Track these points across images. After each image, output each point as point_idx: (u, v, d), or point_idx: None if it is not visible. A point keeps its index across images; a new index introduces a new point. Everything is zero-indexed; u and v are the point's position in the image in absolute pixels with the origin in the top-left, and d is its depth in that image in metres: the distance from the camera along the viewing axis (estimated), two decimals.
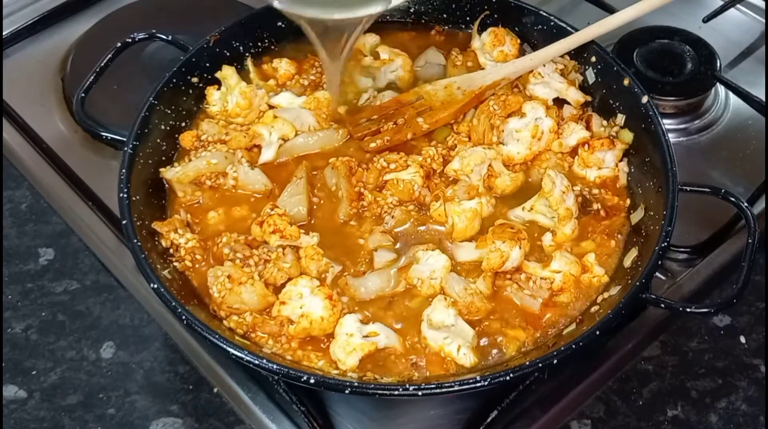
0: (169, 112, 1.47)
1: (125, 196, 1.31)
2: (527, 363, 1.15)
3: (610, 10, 1.80)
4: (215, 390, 1.38)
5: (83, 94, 1.44)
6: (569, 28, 1.55)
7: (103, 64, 1.48)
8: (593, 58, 1.53)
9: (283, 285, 1.31)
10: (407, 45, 1.64)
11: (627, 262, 1.33)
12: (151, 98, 1.43)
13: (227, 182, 1.43)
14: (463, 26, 1.66)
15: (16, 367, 1.41)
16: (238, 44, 1.57)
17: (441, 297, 1.28)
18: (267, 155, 1.45)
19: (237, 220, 1.39)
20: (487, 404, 1.30)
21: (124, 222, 1.29)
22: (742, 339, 1.43)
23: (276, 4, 1.31)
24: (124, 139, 1.38)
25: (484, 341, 1.27)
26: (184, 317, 1.18)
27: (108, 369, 1.41)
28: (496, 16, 1.62)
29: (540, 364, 1.14)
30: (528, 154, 1.47)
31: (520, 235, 1.33)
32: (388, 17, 1.67)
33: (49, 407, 1.37)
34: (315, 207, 1.41)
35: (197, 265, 1.33)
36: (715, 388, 1.36)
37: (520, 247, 1.32)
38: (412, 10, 1.67)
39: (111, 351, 1.43)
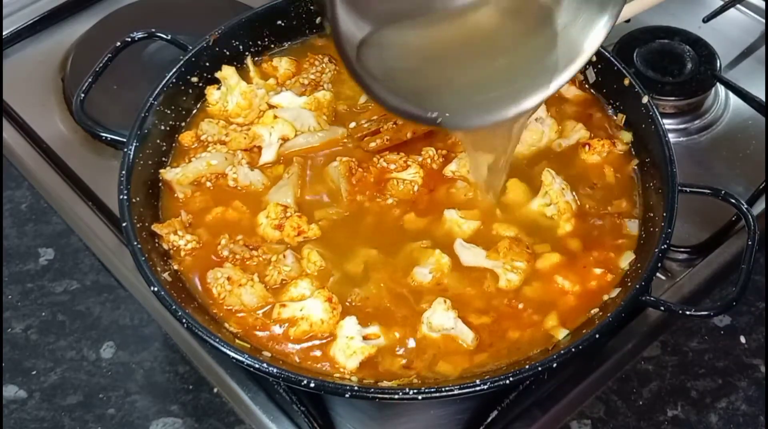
0: (168, 112, 1.47)
1: (125, 197, 1.31)
2: (527, 366, 1.15)
3: None
4: (215, 390, 1.38)
5: (83, 95, 1.44)
6: None
7: (102, 64, 1.47)
8: (594, 58, 1.53)
9: (283, 286, 1.31)
10: None
11: (624, 264, 1.33)
12: (151, 98, 1.43)
13: (227, 183, 1.42)
14: None
15: (16, 367, 1.41)
16: (237, 43, 1.57)
17: (441, 300, 1.28)
18: (267, 156, 1.45)
19: (236, 220, 1.39)
20: (487, 404, 1.30)
21: (124, 224, 1.28)
22: (742, 339, 1.43)
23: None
24: (124, 140, 1.38)
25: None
26: (184, 321, 1.19)
27: (108, 369, 1.41)
28: None
29: (540, 368, 1.15)
30: (528, 153, 1.47)
31: (529, 253, 1.33)
32: None
33: (49, 407, 1.37)
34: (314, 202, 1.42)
35: (197, 267, 1.33)
36: (715, 388, 1.36)
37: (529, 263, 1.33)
38: None
39: (111, 351, 1.43)
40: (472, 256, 1.34)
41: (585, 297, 1.31)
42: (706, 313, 1.12)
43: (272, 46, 1.62)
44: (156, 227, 1.34)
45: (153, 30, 1.52)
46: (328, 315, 1.26)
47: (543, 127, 1.47)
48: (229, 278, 1.29)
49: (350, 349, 1.23)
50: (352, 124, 1.50)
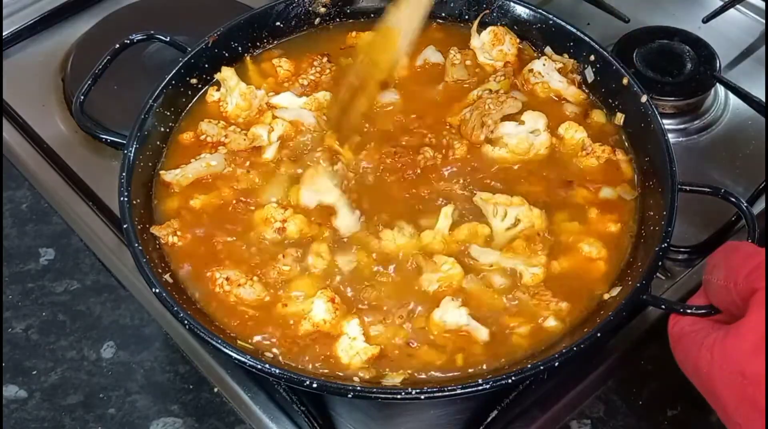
0: (168, 113, 1.47)
1: (126, 199, 1.31)
2: (529, 366, 1.16)
3: (610, 11, 1.80)
4: (215, 390, 1.38)
5: (82, 97, 1.43)
6: (569, 27, 1.55)
7: (101, 66, 1.47)
8: (592, 57, 1.53)
9: (284, 286, 1.31)
10: None
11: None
12: (150, 100, 1.43)
13: (227, 184, 1.42)
14: (462, 24, 1.66)
15: (16, 367, 1.41)
16: (236, 45, 1.57)
17: (449, 298, 1.28)
18: (268, 156, 1.45)
19: (236, 221, 1.39)
20: (488, 404, 1.30)
21: (125, 226, 1.29)
22: None
23: None
24: (124, 141, 1.38)
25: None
26: (186, 322, 1.19)
27: (108, 369, 1.41)
28: (495, 14, 1.62)
29: (542, 367, 1.15)
30: (519, 162, 1.46)
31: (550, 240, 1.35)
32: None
33: (50, 407, 1.37)
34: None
35: (197, 267, 1.33)
36: None
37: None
38: None
39: (111, 351, 1.43)
40: (491, 257, 1.34)
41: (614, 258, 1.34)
42: (705, 312, 1.12)
43: (271, 47, 1.62)
44: (155, 229, 1.34)
45: (152, 32, 1.52)
46: (330, 315, 1.26)
47: (534, 141, 1.46)
48: (227, 278, 1.29)
49: (353, 349, 1.23)
50: None
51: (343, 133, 1.42)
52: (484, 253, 1.34)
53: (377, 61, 1.38)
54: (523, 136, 1.46)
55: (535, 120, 1.47)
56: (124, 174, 1.34)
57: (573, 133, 1.47)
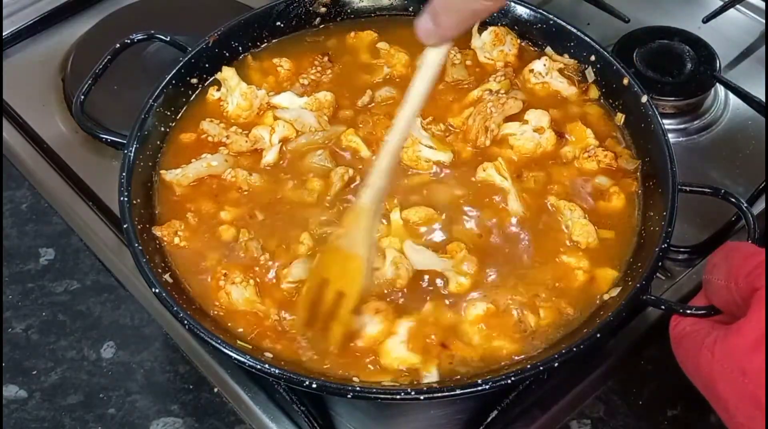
0: (168, 113, 1.47)
1: (126, 199, 1.31)
2: (528, 366, 1.16)
3: (610, 11, 1.80)
4: (215, 390, 1.38)
5: (82, 97, 1.44)
6: (569, 27, 1.55)
7: (101, 66, 1.48)
8: (593, 57, 1.53)
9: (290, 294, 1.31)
10: (406, 41, 1.62)
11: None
12: (150, 100, 1.43)
13: (227, 185, 1.42)
14: None
15: (16, 367, 1.41)
16: (237, 44, 1.57)
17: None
18: (269, 158, 1.45)
19: (236, 222, 1.39)
20: (487, 404, 1.30)
21: (125, 226, 1.29)
22: None
23: None
24: (124, 142, 1.38)
25: None
26: (186, 322, 1.19)
27: (108, 369, 1.41)
28: (495, 14, 1.62)
29: (542, 367, 1.15)
30: (517, 160, 1.47)
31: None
32: (387, 14, 1.68)
33: (50, 407, 1.37)
34: None
35: (198, 268, 1.33)
36: None
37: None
38: (411, 9, 1.67)
39: (111, 351, 1.43)
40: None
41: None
42: (706, 312, 1.13)
43: (271, 47, 1.62)
44: (156, 230, 1.34)
45: (152, 32, 1.52)
46: (378, 328, 1.26)
47: (541, 138, 1.46)
48: (226, 274, 1.30)
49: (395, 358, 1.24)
50: None
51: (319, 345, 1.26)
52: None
53: (345, 293, 1.22)
54: (528, 136, 1.46)
55: (539, 118, 1.47)
56: (124, 174, 1.34)
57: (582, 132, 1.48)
